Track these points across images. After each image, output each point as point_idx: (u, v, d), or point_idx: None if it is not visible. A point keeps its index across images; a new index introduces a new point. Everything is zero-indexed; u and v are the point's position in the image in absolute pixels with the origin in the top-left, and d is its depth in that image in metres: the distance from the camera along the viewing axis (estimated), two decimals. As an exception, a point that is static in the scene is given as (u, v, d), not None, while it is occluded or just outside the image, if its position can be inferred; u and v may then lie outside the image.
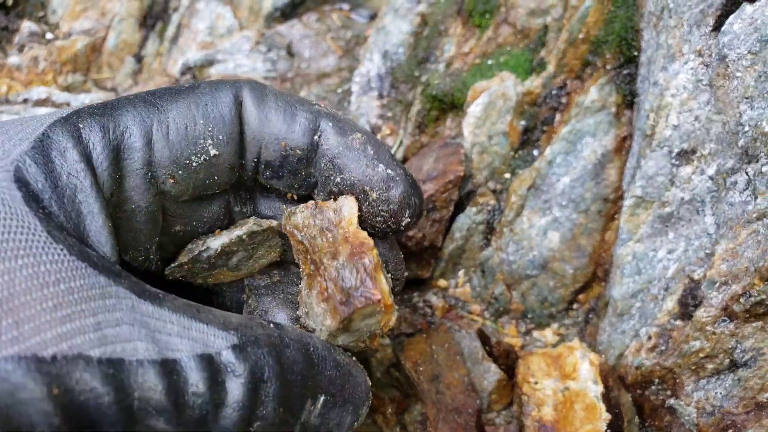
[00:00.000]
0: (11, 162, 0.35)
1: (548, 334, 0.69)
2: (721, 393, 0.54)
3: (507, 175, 0.69)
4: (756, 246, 0.51)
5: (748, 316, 0.52)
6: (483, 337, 0.65)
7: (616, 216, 0.64)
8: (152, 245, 0.43)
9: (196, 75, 1.11)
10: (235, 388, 0.33)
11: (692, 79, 0.53)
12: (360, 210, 0.44)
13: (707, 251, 0.54)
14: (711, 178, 0.54)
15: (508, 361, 0.64)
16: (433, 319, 0.72)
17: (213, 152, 0.42)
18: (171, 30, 1.22)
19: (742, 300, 0.52)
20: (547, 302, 0.68)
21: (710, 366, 0.54)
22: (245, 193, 0.48)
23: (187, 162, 0.41)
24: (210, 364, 0.33)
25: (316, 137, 0.43)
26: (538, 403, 0.58)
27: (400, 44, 0.81)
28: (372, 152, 0.43)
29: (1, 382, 0.27)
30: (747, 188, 0.52)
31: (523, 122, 0.67)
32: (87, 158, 0.38)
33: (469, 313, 0.72)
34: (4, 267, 0.30)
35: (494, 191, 0.69)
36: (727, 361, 0.53)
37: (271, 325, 0.38)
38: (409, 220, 0.44)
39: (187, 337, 0.34)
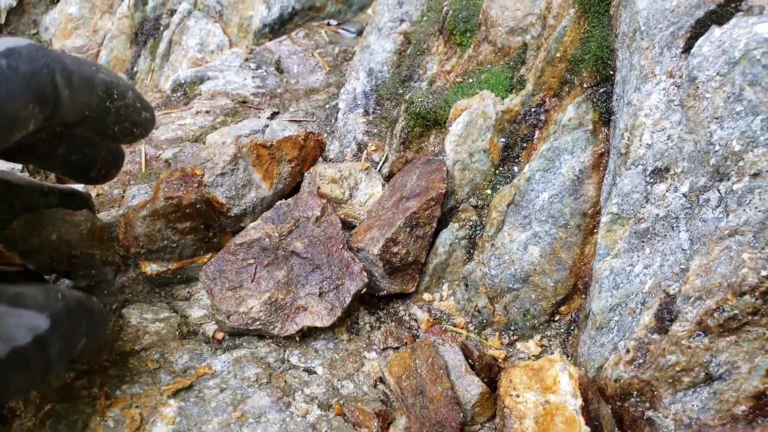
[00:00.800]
0: None
1: (531, 346, 0.70)
2: (697, 405, 0.55)
3: (488, 191, 0.70)
4: (728, 262, 0.53)
5: (722, 330, 0.53)
6: (466, 351, 0.66)
7: (595, 230, 0.66)
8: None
9: (187, 91, 1.12)
10: (54, 349, 0.49)
11: (664, 100, 0.54)
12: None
13: (682, 266, 0.56)
14: (684, 195, 0.55)
15: (490, 374, 0.65)
16: (418, 332, 0.73)
17: (32, 127, 0.49)
18: (162, 47, 1.23)
19: (715, 315, 0.53)
20: (530, 314, 0.69)
21: (686, 379, 0.55)
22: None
23: (12, 137, 0.48)
24: (41, 341, 0.47)
25: (108, 104, 0.57)
26: (519, 416, 0.59)
27: (384, 62, 0.82)
28: (140, 105, 0.61)
29: None
30: (719, 205, 0.53)
31: (503, 139, 0.69)
32: None
33: (454, 325, 0.73)
34: None
35: (476, 207, 0.70)
36: (703, 374, 0.55)
37: (59, 294, 0.52)
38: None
39: (23, 326, 0.46)
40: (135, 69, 1.29)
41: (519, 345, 0.71)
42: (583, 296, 0.68)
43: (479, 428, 0.63)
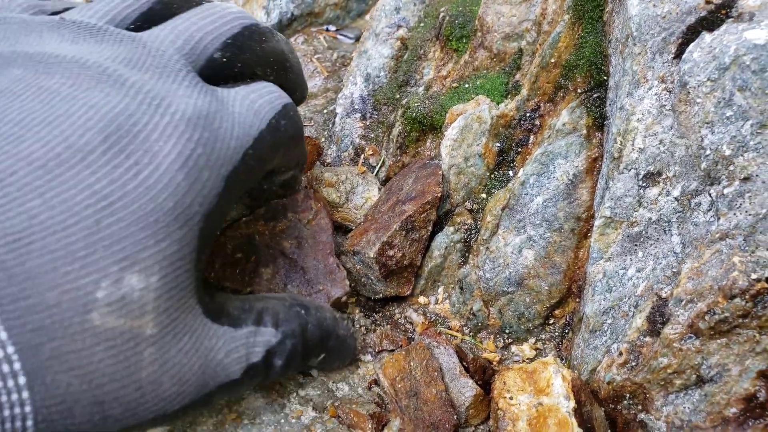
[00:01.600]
0: (201, 217, 0.44)
1: (526, 349, 0.71)
2: (689, 408, 0.56)
3: (483, 195, 0.71)
4: (719, 265, 0.53)
5: (713, 333, 0.53)
6: (460, 353, 0.66)
7: (589, 234, 0.66)
8: None
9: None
10: (278, 362, 0.51)
11: (656, 105, 0.55)
12: None
13: (674, 270, 0.56)
14: (676, 199, 0.56)
15: (484, 376, 0.65)
16: (414, 335, 0.73)
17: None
18: (161, 51, 1.23)
19: (707, 317, 0.54)
20: (524, 318, 0.70)
21: (678, 381, 0.56)
22: None
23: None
24: (268, 355, 0.50)
25: None
26: (513, 418, 0.59)
27: (381, 68, 0.83)
28: None
29: None
30: (710, 209, 0.54)
31: (498, 144, 0.69)
32: None
33: (449, 328, 0.74)
34: (178, 350, 0.42)
35: (471, 211, 0.71)
36: (694, 376, 0.55)
37: (302, 310, 0.54)
38: None
39: (259, 345, 0.49)
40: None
41: (514, 348, 0.72)
42: (578, 300, 0.69)
43: (473, 430, 0.64)
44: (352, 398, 0.67)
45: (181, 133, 0.41)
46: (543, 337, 0.71)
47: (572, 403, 0.57)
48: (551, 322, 0.71)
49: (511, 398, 0.61)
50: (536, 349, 0.71)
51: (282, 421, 0.64)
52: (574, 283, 0.68)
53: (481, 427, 0.64)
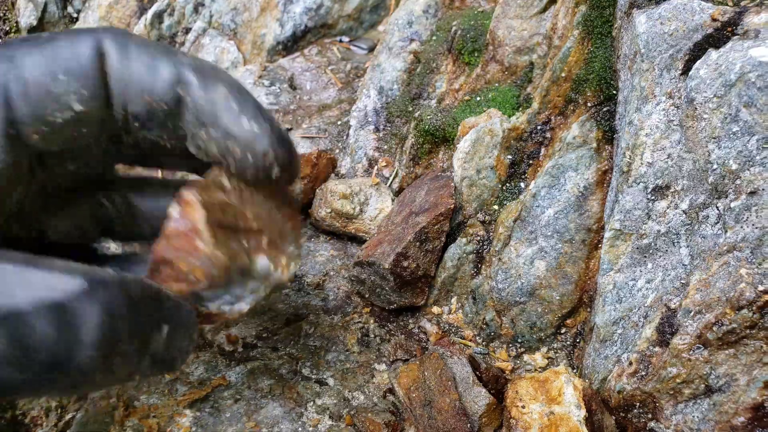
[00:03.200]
0: None
1: (538, 358, 0.72)
2: (698, 417, 0.57)
3: (495, 207, 0.72)
4: (727, 277, 0.54)
5: (720, 343, 0.54)
6: (473, 362, 0.68)
7: (599, 245, 0.67)
8: (21, 205, 0.44)
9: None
10: (90, 329, 0.33)
11: (664, 120, 0.56)
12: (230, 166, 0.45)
13: (683, 281, 0.57)
14: (684, 212, 0.57)
15: (497, 385, 0.66)
16: (427, 344, 0.75)
17: (78, 108, 0.40)
18: (177, 63, 1.26)
19: (714, 328, 0.55)
20: (536, 327, 0.71)
21: (687, 391, 0.57)
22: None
23: (52, 119, 0.40)
24: (59, 309, 0.32)
25: (179, 90, 0.42)
26: (525, 426, 0.60)
27: (394, 81, 0.84)
28: (236, 107, 0.42)
29: None
30: (718, 222, 0.55)
31: (509, 156, 0.71)
32: None
33: (462, 338, 0.75)
34: None
35: (483, 222, 0.72)
36: (703, 386, 0.56)
37: (109, 270, 0.37)
38: (279, 173, 0.44)
39: (30, 286, 0.32)
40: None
41: (526, 357, 0.73)
42: (589, 309, 0.70)
43: (486, 438, 0.65)
44: (368, 407, 0.68)
45: None
46: (555, 346, 0.72)
47: (583, 412, 0.58)
48: (563, 331, 0.72)
49: (523, 407, 0.62)
50: (548, 358, 0.72)
51: (300, 429, 0.66)
52: (586, 293, 0.69)
53: (495, 435, 0.65)
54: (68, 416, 0.68)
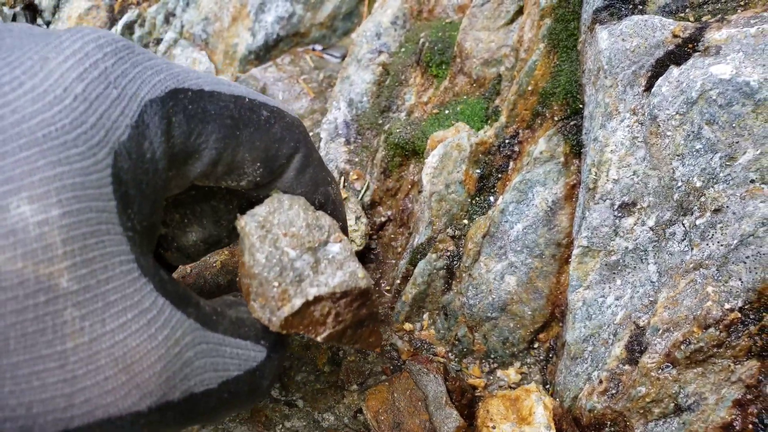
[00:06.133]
0: (108, 151, 0.33)
1: (511, 373, 0.71)
2: (668, 436, 0.56)
3: (465, 222, 0.71)
4: (694, 295, 0.54)
5: (689, 362, 0.54)
6: (447, 378, 0.67)
7: (569, 259, 0.66)
8: None
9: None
10: (264, 382, 0.45)
11: (629, 137, 0.55)
12: None
13: (651, 298, 0.57)
14: (651, 228, 0.56)
15: (463, 399, 0.66)
16: (399, 362, 0.74)
17: (244, 182, 0.45)
18: (149, 73, 1.24)
19: (682, 347, 0.54)
20: (509, 342, 0.70)
21: (656, 410, 0.56)
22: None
23: (227, 183, 0.45)
24: (254, 372, 0.44)
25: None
26: (495, 447, 0.60)
27: (363, 93, 0.83)
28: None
29: None
30: (684, 239, 0.54)
31: (478, 170, 0.70)
32: (166, 154, 0.38)
33: (434, 354, 0.74)
34: (118, 324, 0.33)
35: (453, 237, 0.71)
36: (672, 405, 0.55)
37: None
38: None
39: (238, 357, 0.42)
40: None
41: (499, 373, 0.72)
42: (561, 324, 0.69)
43: (457, 460, 0.64)
44: (338, 428, 0.67)
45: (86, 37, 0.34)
46: (528, 361, 0.71)
47: (552, 433, 0.58)
48: (536, 346, 0.71)
49: (494, 427, 0.61)
50: (521, 373, 0.71)
51: (268, 453, 0.65)
52: (557, 308, 0.69)
53: (466, 456, 0.64)
54: None
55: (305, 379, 0.72)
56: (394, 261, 0.82)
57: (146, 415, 0.35)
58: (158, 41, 1.27)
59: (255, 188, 0.47)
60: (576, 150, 0.64)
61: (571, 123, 0.65)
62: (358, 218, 0.79)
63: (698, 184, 0.52)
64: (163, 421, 0.37)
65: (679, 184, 0.53)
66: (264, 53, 1.18)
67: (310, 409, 0.69)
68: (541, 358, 0.71)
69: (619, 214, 0.57)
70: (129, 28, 1.29)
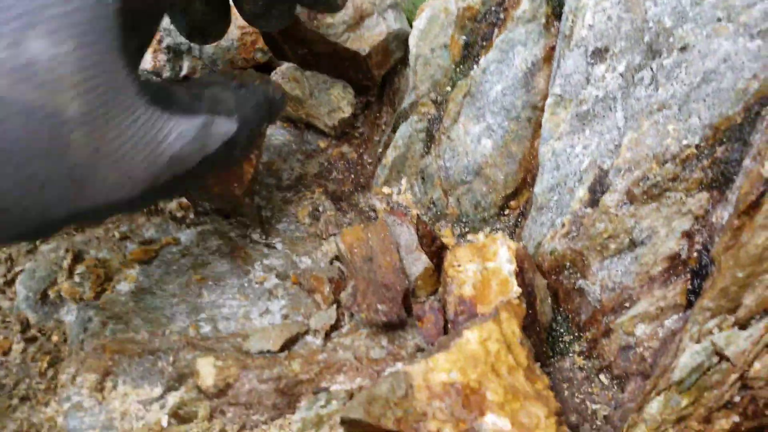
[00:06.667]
0: None
1: (481, 237, 0.74)
2: (621, 270, 0.60)
3: (448, 89, 0.74)
4: (656, 134, 0.57)
5: (645, 197, 0.57)
6: (421, 227, 0.69)
7: (544, 123, 0.69)
8: None
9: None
10: (236, 152, 0.54)
11: (606, -19, 0.58)
12: None
13: (616, 143, 0.60)
14: (621, 74, 0.59)
15: (432, 247, 0.69)
16: (376, 220, 0.77)
17: None
18: None
19: (641, 183, 0.57)
20: (480, 207, 0.73)
21: (613, 246, 0.60)
22: None
23: None
24: (229, 144, 0.52)
25: None
26: (459, 283, 0.63)
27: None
28: None
29: None
30: (651, 83, 0.57)
31: (464, 37, 0.72)
32: None
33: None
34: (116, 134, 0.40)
35: (435, 102, 0.74)
36: (627, 240, 0.59)
37: (246, 92, 0.55)
38: None
39: (215, 133, 0.50)
40: None
41: (470, 236, 0.75)
42: (531, 189, 0.72)
43: (423, 299, 0.67)
44: (314, 269, 0.71)
45: None
46: (498, 226, 0.75)
47: (513, 266, 0.61)
48: (506, 212, 0.74)
49: (459, 266, 0.64)
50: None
51: (245, 284, 0.68)
52: (529, 174, 0.72)
53: (431, 297, 0.68)
54: (17, 268, 0.69)
55: (286, 228, 0.75)
56: (378, 139, 0.85)
57: (139, 197, 0.45)
58: None
59: None
60: (558, 11, 0.67)
61: (555, -15, 0.67)
62: (345, 87, 0.82)
63: (668, 24, 0.55)
64: (153, 197, 0.48)
65: (650, 24, 0.56)
66: None
67: (289, 252, 0.72)
68: (511, 224, 0.74)
69: (592, 61, 0.60)
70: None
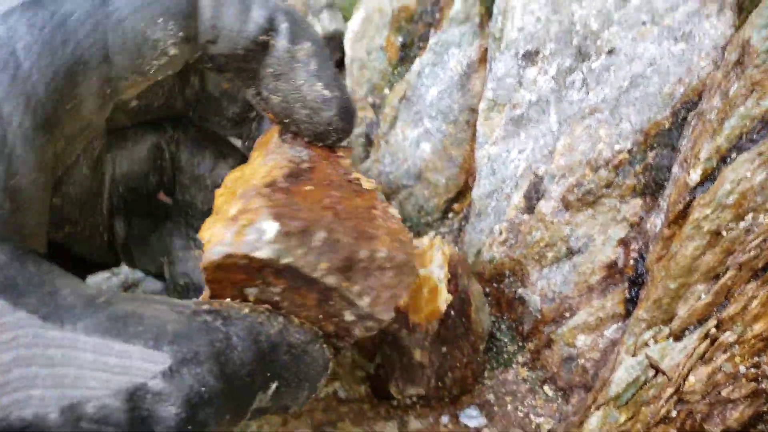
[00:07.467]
0: None
1: (425, 241, 0.73)
2: (559, 279, 0.58)
3: (386, 91, 0.72)
4: (588, 139, 0.55)
5: (580, 204, 0.56)
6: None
7: (483, 126, 0.68)
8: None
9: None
10: (166, 418, 0.28)
11: (533, -18, 0.56)
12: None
13: (550, 148, 0.58)
14: (553, 78, 0.57)
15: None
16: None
17: (174, 52, 0.37)
18: None
19: (575, 190, 0.56)
20: (423, 211, 0.72)
21: (550, 254, 0.58)
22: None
23: (147, 68, 0.37)
24: (132, 397, 0.28)
25: (268, 37, 0.39)
26: (396, 291, 0.61)
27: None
28: (315, 68, 0.40)
29: None
30: (582, 86, 0.56)
31: (400, 38, 0.70)
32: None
33: (353, 224, 0.75)
34: None
35: (373, 105, 0.72)
36: (564, 248, 0.57)
37: (219, 320, 0.33)
38: (333, 140, 0.44)
39: (103, 368, 0.28)
40: None
41: (414, 241, 0.74)
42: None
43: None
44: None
45: None
46: (442, 230, 0.73)
47: (444, 272, 0.59)
48: (450, 216, 0.73)
49: (397, 275, 0.62)
50: (435, 242, 0.73)
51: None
52: (471, 177, 0.70)
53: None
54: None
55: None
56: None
57: None
58: None
59: None
60: (491, 11, 0.65)
61: (488, -15, 0.65)
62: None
63: (595, 27, 0.53)
64: None
65: (578, 27, 0.54)
66: None
67: None
68: (455, 227, 0.73)
69: (523, 64, 0.59)
70: None
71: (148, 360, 0.28)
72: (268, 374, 0.34)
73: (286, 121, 0.43)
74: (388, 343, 0.59)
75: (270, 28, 0.39)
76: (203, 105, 0.52)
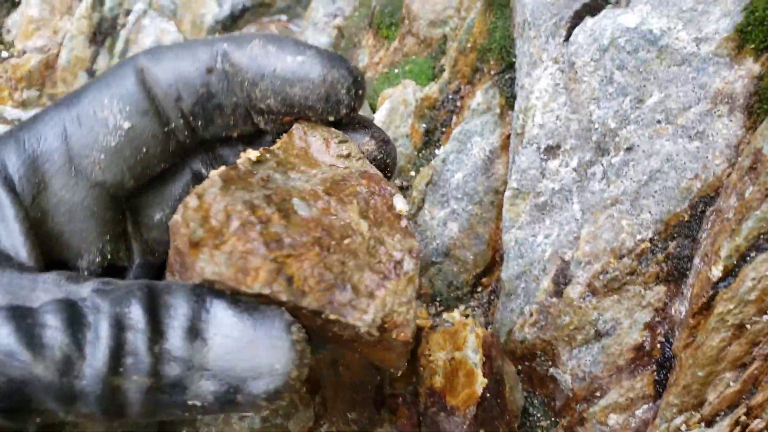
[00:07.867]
0: None
1: (456, 315, 0.76)
2: (589, 360, 0.61)
3: (412, 174, 0.76)
4: (611, 228, 0.58)
5: (606, 290, 0.59)
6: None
7: (507, 206, 0.71)
8: (105, 244, 0.42)
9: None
10: (102, 328, 0.30)
11: (551, 84, 0.60)
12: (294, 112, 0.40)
13: (575, 235, 0.61)
14: (574, 169, 0.61)
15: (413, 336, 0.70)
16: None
17: (126, 125, 0.39)
18: (119, 46, 1.27)
19: (601, 276, 0.59)
20: (453, 286, 0.75)
21: (579, 337, 0.61)
22: (209, 155, 0.45)
23: (105, 143, 0.39)
24: (71, 307, 0.30)
25: (218, 64, 0.39)
26: (431, 373, 0.64)
27: (318, 55, 0.87)
28: (274, 49, 0.39)
29: None
30: (603, 178, 0.59)
31: (424, 125, 0.74)
32: (3, 173, 0.39)
33: (386, 300, 0.78)
34: None
35: (401, 188, 0.76)
36: (593, 331, 0.60)
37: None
38: (347, 98, 0.39)
39: (44, 289, 0.31)
40: (95, 67, 1.33)
41: (445, 315, 0.77)
42: (501, 268, 0.73)
43: (399, 391, 0.68)
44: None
45: None
46: (472, 304, 0.76)
47: (479, 356, 0.62)
48: (479, 290, 0.76)
49: (429, 355, 0.66)
50: (466, 315, 0.76)
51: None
52: (497, 253, 0.73)
53: (409, 389, 0.68)
54: None
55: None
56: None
57: None
58: (128, 12, 1.29)
59: None
60: (511, 102, 0.69)
61: (506, 76, 0.69)
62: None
63: (612, 126, 0.57)
64: None
65: (596, 126, 0.57)
66: (230, 23, 1.21)
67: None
68: (484, 301, 0.76)
69: (545, 157, 0.62)
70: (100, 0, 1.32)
71: (84, 286, 0.32)
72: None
73: (297, 109, 0.40)
74: (426, 426, 0.62)
75: (215, 53, 0.39)
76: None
